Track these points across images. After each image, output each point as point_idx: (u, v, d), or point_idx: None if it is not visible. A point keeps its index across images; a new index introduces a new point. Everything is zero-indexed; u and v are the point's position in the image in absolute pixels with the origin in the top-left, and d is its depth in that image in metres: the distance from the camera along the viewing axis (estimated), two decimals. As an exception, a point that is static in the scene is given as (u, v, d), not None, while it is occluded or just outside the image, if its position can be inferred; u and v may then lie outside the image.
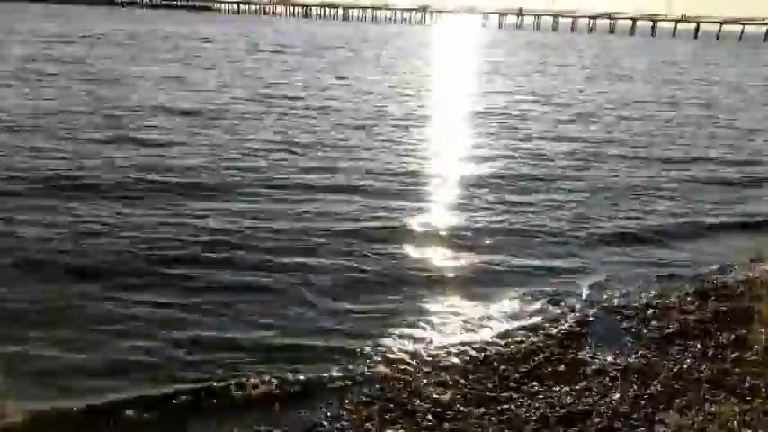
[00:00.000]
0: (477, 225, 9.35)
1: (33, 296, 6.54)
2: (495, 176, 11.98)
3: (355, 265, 7.73)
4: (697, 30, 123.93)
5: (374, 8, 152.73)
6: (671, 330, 6.40)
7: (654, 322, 6.59)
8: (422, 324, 6.43)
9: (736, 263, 8.52)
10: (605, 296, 7.27)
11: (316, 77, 25.91)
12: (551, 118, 19.12)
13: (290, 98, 20.01)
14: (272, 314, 6.49)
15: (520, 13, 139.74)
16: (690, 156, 14.89)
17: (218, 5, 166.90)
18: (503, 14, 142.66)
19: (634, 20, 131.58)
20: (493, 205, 10.33)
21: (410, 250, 8.33)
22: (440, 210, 10.06)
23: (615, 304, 7.03)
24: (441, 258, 8.19)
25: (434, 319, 6.55)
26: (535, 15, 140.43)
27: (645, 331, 6.39)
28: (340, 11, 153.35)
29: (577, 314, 6.74)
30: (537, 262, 8.27)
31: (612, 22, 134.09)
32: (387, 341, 6.05)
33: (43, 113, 15.17)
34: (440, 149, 14.31)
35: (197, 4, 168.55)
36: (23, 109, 15.60)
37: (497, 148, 14.43)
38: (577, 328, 6.41)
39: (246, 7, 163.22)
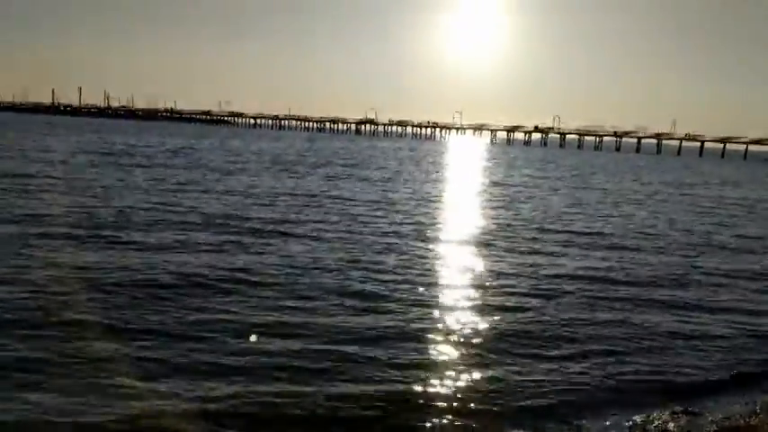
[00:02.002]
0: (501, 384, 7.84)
1: None
2: (516, 328, 10.43)
3: None
4: (702, 147, 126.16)
5: (386, 124, 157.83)
6: None
7: None
8: None
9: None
10: None
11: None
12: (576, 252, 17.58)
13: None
14: None
15: (537, 130, 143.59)
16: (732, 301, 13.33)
17: (237, 119, 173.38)
18: (510, 131, 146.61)
19: (640, 138, 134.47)
20: (510, 366, 8.76)
21: None
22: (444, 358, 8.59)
23: None
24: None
25: None
26: (543, 133, 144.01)
27: None
28: (353, 126, 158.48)
29: None
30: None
31: (618, 139, 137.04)
32: None
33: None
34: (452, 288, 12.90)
35: (215, 117, 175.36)
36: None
37: (520, 288, 12.87)
38: None
39: (262, 121, 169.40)
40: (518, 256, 15.46)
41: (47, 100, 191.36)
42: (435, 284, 12.28)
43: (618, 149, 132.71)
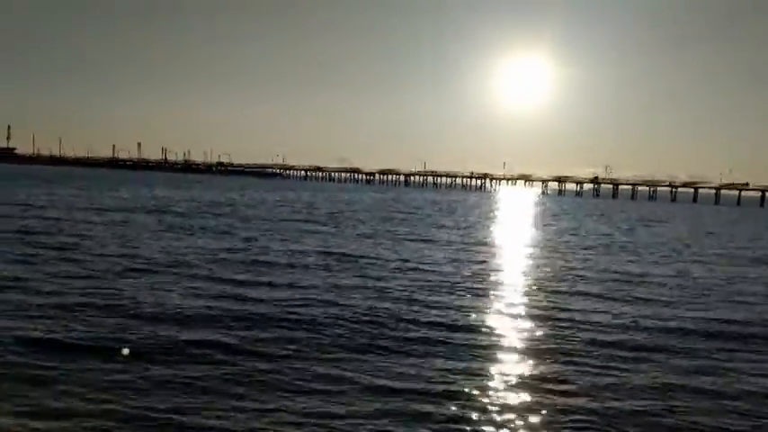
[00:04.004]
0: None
1: None
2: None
3: None
4: (763, 197, 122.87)
5: (435, 174, 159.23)
6: None
7: None
8: None
9: None
10: None
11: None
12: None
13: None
14: None
15: (594, 181, 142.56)
16: None
17: (288, 172, 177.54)
18: (561, 181, 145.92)
19: (697, 188, 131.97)
20: None
21: None
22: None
23: None
24: None
25: None
26: (595, 183, 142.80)
27: None
28: (402, 177, 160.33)
29: None
30: None
31: (674, 189, 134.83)
32: None
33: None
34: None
35: (268, 170, 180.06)
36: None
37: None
38: None
39: (313, 173, 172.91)
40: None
41: (108, 154, 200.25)
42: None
43: (673, 200, 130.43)
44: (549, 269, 21.39)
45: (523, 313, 14.19)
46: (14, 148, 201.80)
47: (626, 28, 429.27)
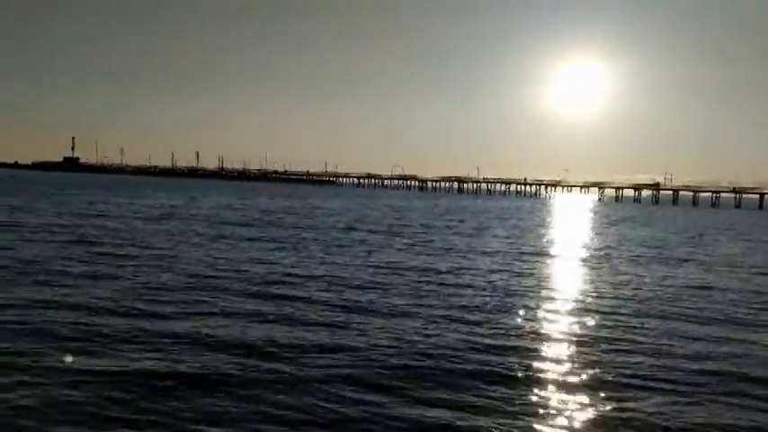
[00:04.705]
0: None
1: None
2: None
3: None
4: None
5: (488, 181, 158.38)
6: None
7: None
8: None
9: None
10: None
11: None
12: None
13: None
14: None
15: (656, 188, 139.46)
16: None
17: (341, 180, 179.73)
18: (618, 188, 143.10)
19: (763, 194, 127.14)
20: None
21: None
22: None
23: None
24: None
25: None
26: (655, 189, 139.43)
27: None
28: (455, 184, 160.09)
29: None
30: None
31: (738, 196, 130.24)
32: None
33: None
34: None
35: (322, 178, 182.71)
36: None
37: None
38: None
39: (366, 181, 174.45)
40: None
41: (167, 163, 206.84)
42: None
43: (738, 206, 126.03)
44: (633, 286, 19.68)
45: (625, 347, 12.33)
46: (78, 158, 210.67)
47: (688, 26, 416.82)
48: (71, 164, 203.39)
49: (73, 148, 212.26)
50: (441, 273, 20.59)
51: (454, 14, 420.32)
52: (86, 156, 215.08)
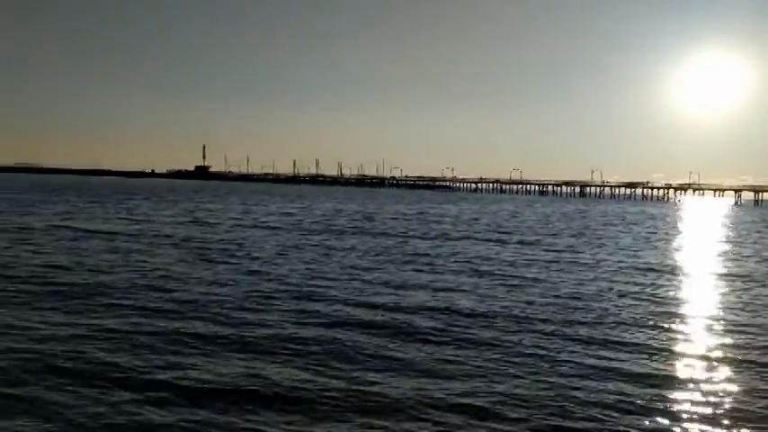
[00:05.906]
0: None
1: None
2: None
3: None
4: None
5: (614, 185, 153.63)
6: None
7: None
8: None
9: None
10: None
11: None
12: None
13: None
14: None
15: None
16: None
17: (459, 185, 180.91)
18: (757, 191, 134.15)
19: None
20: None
21: None
22: None
23: None
24: None
25: None
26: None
27: None
28: (577, 188, 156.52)
29: None
30: None
31: None
32: None
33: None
34: None
35: (438, 183, 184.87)
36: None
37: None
38: None
39: (483, 185, 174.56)
40: None
41: (288, 170, 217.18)
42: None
43: None
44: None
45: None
46: (210, 166, 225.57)
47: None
48: (202, 172, 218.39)
49: (204, 157, 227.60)
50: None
51: (575, 12, 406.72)
52: (216, 165, 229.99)
